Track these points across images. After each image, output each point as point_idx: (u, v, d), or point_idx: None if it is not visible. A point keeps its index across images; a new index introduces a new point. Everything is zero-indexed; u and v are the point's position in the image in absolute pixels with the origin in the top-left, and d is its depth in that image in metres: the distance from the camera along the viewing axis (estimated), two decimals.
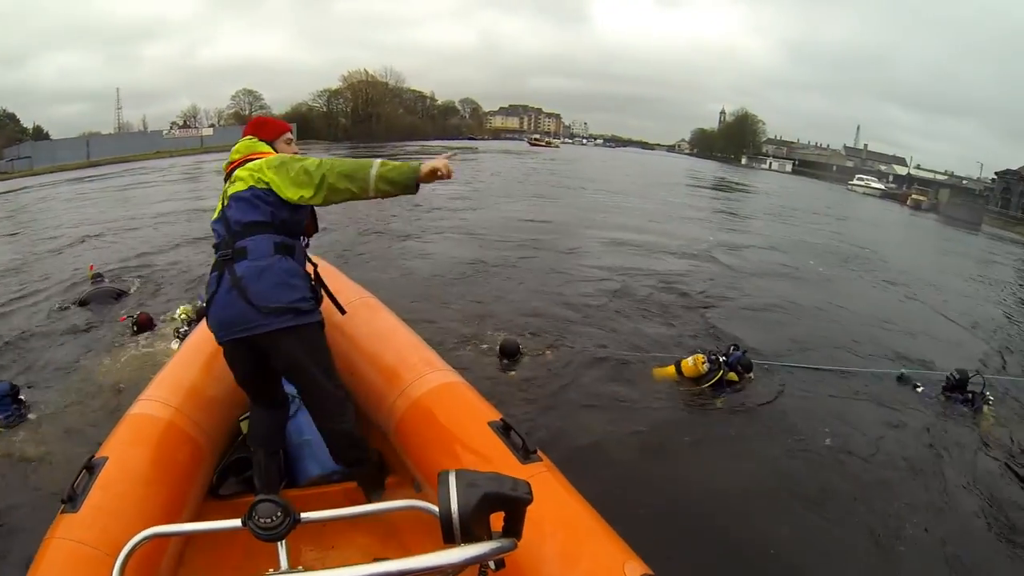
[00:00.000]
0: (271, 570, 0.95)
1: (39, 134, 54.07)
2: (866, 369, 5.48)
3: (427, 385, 2.30)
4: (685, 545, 2.90)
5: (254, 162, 2.09)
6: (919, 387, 5.04)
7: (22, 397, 4.19)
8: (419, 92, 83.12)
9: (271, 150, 2.20)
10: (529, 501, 0.88)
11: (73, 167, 36.66)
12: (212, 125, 58.03)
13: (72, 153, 44.26)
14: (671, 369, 4.82)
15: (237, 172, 2.10)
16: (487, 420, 2.06)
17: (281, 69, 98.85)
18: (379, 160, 1.95)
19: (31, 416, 4.15)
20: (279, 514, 0.92)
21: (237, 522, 0.95)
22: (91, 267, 7.73)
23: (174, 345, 4.99)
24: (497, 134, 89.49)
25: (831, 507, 3.43)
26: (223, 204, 2.09)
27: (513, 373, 4.99)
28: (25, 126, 54.68)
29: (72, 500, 1.70)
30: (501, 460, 1.86)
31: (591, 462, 3.57)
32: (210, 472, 2.30)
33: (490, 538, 0.88)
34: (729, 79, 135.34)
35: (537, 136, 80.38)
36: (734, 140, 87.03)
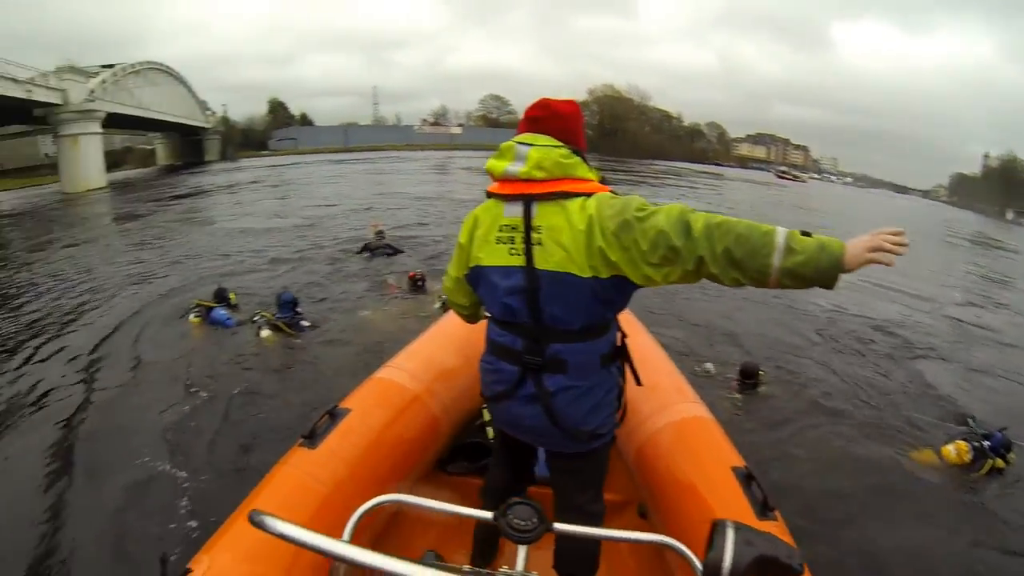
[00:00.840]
0: (506, 568, 0.95)
1: (305, 120, 64.63)
2: None
3: (677, 415, 2.22)
4: None
5: (573, 203, 1.44)
6: None
7: (299, 310, 5.80)
8: (665, 112, 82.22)
9: (587, 171, 1.52)
10: (799, 573, 0.81)
11: (332, 150, 44.21)
12: (461, 124, 64.10)
13: (332, 138, 53.34)
14: (929, 455, 4.37)
15: (540, 216, 1.46)
16: (731, 464, 1.96)
17: (523, 79, 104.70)
18: (784, 235, 1.29)
19: (305, 324, 5.69)
20: (535, 519, 0.93)
21: (489, 515, 0.96)
22: (374, 224, 9.82)
23: (436, 305, 5.92)
24: (744, 162, 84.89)
25: None
26: (513, 260, 1.51)
27: (747, 397, 5.00)
28: (293, 113, 64.95)
29: (311, 437, 1.83)
30: (736, 510, 1.73)
31: (829, 531, 3.30)
32: (443, 447, 2.37)
33: None
34: (989, 115, 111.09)
35: (784, 169, 74.85)
36: (1002, 189, 70.53)
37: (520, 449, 1.78)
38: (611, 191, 1.49)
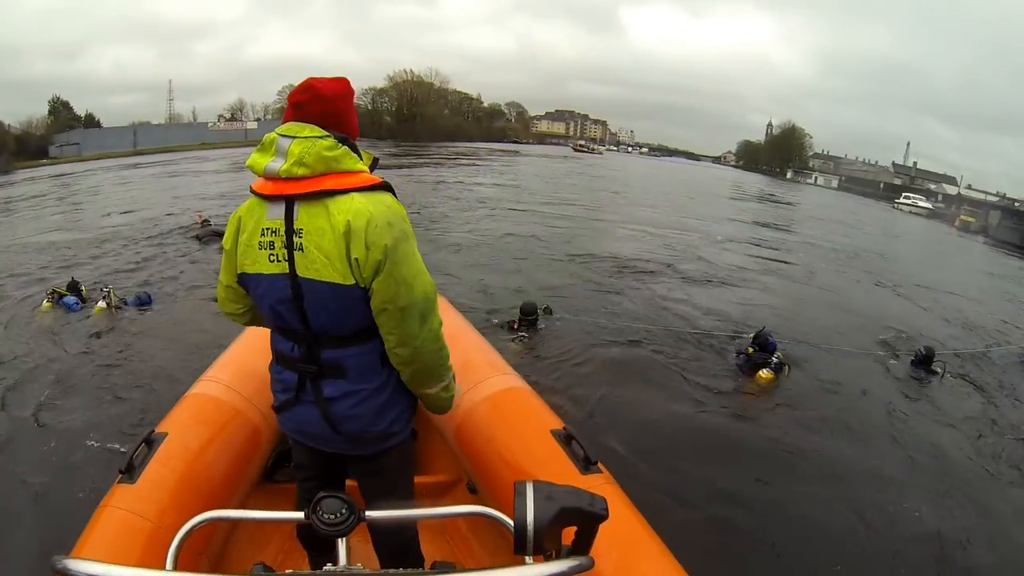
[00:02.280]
0: (330, 565, 0.96)
1: (90, 121, 56.51)
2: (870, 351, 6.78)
3: (492, 388, 2.26)
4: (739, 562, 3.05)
5: (337, 203, 1.33)
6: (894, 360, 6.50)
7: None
8: (465, 94, 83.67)
9: (355, 161, 1.39)
10: (604, 518, 0.85)
11: (119, 155, 39.43)
12: (258, 119, 59.69)
13: (119, 141, 46.70)
14: (755, 382, 5.35)
15: (302, 218, 1.34)
16: (550, 428, 2.03)
17: (326, 68, 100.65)
18: (452, 382, 1.62)
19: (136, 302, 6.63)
20: (344, 511, 0.92)
21: (300, 515, 0.95)
22: (199, 214, 10.70)
23: None
24: (542, 139, 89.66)
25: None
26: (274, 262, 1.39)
27: (531, 334, 5.78)
28: (78, 113, 56.53)
29: (130, 472, 1.72)
30: (562, 470, 1.83)
31: (653, 473, 3.65)
32: (266, 456, 2.31)
33: (559, 552, 0.87)
34: (767, 90, 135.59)
35: (582, 143, 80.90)
36: (780, 153, 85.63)
37: (319, 458, 1.67)
38: (383, 181, 1.39)
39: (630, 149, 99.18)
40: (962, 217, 48.06)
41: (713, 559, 2.76)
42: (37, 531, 2.86)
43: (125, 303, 6.54)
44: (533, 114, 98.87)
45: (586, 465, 1.86)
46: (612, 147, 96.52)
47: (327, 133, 1.35)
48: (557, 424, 2.08)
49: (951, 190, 70.49)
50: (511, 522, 0.83)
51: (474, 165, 33.81)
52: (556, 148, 70.33)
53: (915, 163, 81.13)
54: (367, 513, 0.95)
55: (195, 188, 19.48)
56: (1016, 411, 5.74)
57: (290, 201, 1.34)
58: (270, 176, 1.35)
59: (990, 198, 65.93)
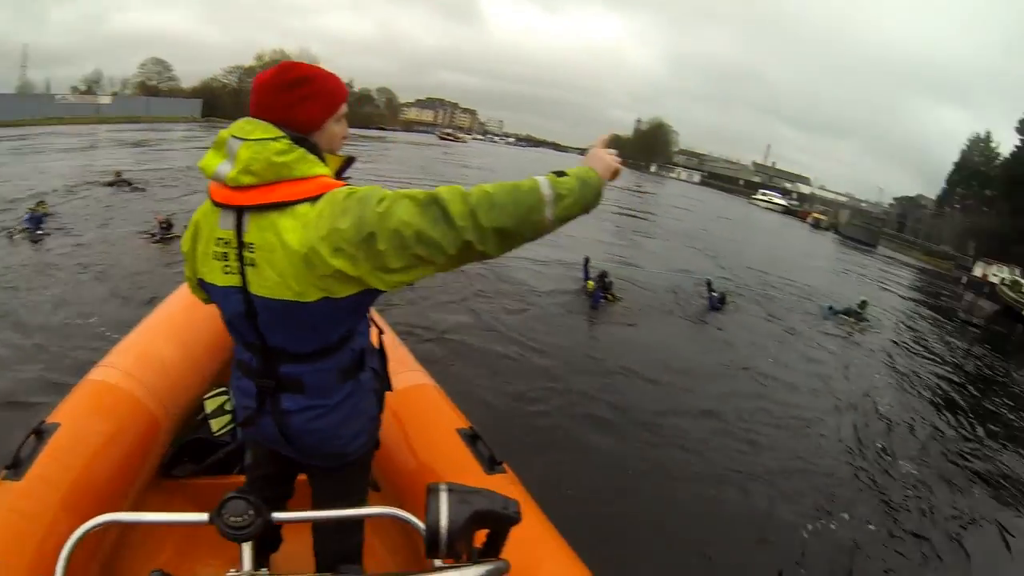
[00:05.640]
0: (233, 570, 0.91)
1: None
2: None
3: (399, 384, 2.17)
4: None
5: (287, 216, 1.15)
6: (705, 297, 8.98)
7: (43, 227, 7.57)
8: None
9: (312, 164, 1.19)
10: (517, 521, 0.86)
11: None
12: (114, 93, 53.82)
13: None
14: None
15: (252, 231, 1.18)
16: (456, 427, 2.02)
17: (192, 43, 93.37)
18: (548, 185, 1.19)
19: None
20: (250, 513, 0.87)
21: (204, 516, 0.90)
22: (115, 171, 11.91)
23: None
24: (410, 126, 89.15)
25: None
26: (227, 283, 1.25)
27: None
28: None
29: (16, 467, 1.59)
30: (466, 470, 1.82)
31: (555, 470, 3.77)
32: (164, 449, 2.18)
33: (471, 556, 0.86)
34: (625, 86, 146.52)
35: (449, 131, 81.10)
36: (647, 148, 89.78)
37: (277, 466, 1.59)
38: (346, 183, 1.22)
39: (496, 139, 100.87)
40: (814, 214, 53.01)
41: (614, 552, 2.91)
42: None
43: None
44: (404, 101, 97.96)
45: (491, 465, 1.87)
46: (479, 136, 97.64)
47: (281, 134, 1.16)
48: (463, 423, 2.09)
49: (805, 189, 78.68)
50: (422, 525, 0.82)
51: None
52: (422, 136, 70.71)
53: (774, 163, 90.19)
54: (274, 515, 0.91)
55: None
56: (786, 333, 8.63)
57: (240, 211, 1.17)
58: (221, 181, 1.17)
59: (840, 198, 74.94)
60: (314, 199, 1.15)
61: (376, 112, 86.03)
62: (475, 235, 1.12)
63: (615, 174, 1.30)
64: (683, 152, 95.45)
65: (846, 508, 4.06)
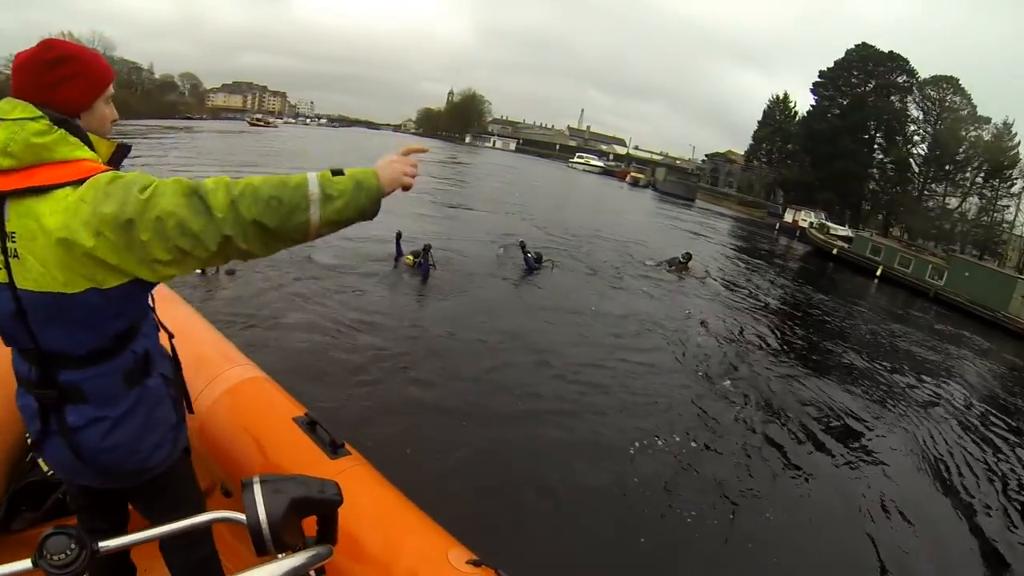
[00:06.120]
0: None
1: None
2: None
3: (228, 382, 2.13)
4: (505, 526, 3.25)
5: (47, 201, 1.09)
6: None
7: None
8: (133, 63, 71.67)
9: (74, 147, 1.14)
10: (339, 503, 0.84)
11: None
12: None
13: None
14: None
15: (13, 218, 1.10)
16: (292, 416, 1.98)
17: None
18: (317, 183, 1.16)
19: None
20: (73, 547, 0.79)
21: (27, 563, 0.81)
22: None
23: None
24: (218, 113, 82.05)
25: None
26: None
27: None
28: None
29: None
30: (309, 458, 1.79)
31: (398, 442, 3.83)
32: None
33: (305, 545, 0.84)
34: (435, 59, 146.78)
35: (259, 116, 75.57)
36: (461, 120, 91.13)
37: (95, 494, 1.45)
38: (110, 169, 1.14)
39: (308, 120, 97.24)
40: (632, 174, 56.89)
41: (475, 520, 2.90)
42: None
43: None
44: (209, 87, 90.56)
45: (334, 449, 1.83)
46: (291, 119, 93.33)
47: (40, 114, 1.10)
48: (299, 411, 2.02)
49: (621, 150, 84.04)
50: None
51: (141, 147, 29.90)
52: (232, 123, 64.99)
53: (588, 127, 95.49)
54: (100, 544, 0.83)
55: None
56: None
57: (1, 199, 1.09)
58: None
59: (655, 156, 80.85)
60: (75, 183, 1.08)
61: (181, 100, 78.61)
62: (235, 229, 1.10)
63: (404, 187, 1.26)
64: (497, 121, 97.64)
65: (673, 432, 4.70)
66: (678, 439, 4.68)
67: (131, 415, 1.27)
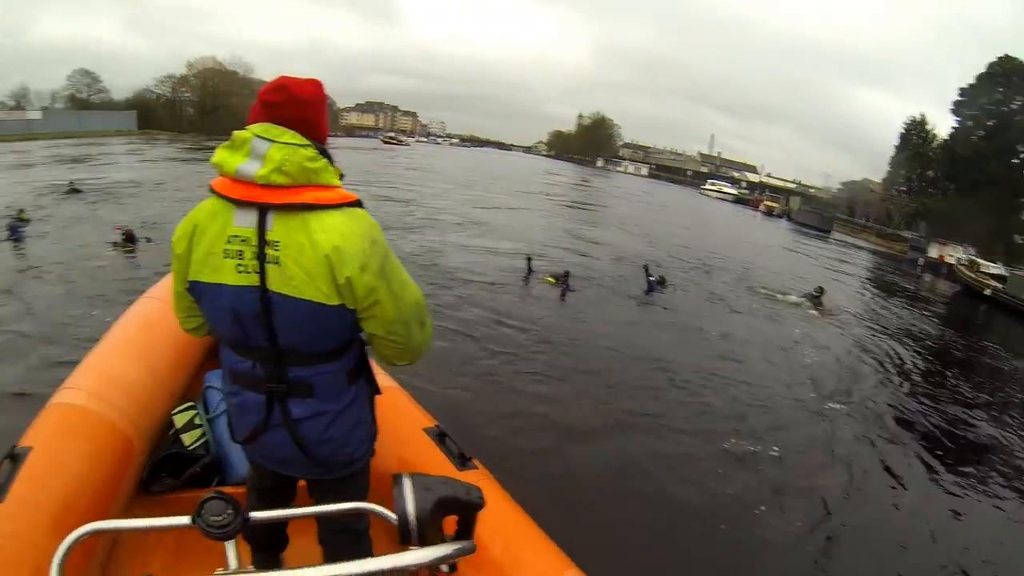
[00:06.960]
0: (220, 569, 0.93)
1: None
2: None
3: None
4: (622, 550, 3.16)
5: (317, 219, 1.21)
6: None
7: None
8: None
9: (332, 175, 1.28)
10: (481, 506, 0.89)
11: None
12: (45, 108, 50.55)
13: None
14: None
15: (278, 229, 1.21)
16: (423, 427, 2.06)
17: (117, 53, 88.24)
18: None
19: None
20: (230, 512, 0.88)
21: (186, 519, 0.90)
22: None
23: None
24: (351, 131, 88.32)
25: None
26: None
27: None
28: None
29: None
30: (439, 467, 1.84)
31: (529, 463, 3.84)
32: (140, 467, 2.17)
33: (443, 542, 0.89)
34: (558, 83, 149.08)
35: (391, 134, 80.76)
36: (592, 143, 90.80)
37: (278, 480, 1.59)
38: (358, 199, 1.27)
39: (440, 140, 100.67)
40: (766, 203, 54.21)
41: (597, 545, 2.85)
42: None
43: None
44: (342, 106, 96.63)
45: (462, 461, 1.91)
46: (423, 138, 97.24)
47: (308, 142, 1.22)
48: (430, 422, 2.11)
49: (753, 177, 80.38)
50: (393, 516, 0.85)
51: None
52: (365, 140, 69.70)
53: (719, 153, 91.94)
54: (251, 514, 0.90)
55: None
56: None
57: (264, 210, 1.20)
58: (242, 179, 1.20)
59: (788, 185, 76.14)
60: (337, 207, 1.22)
61: None
62: (422, 353, 1.43)
63: None
64: (628, 145, 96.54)
65: (811, 478, 4.34)
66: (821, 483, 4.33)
67: (349, 410, 1.40)
